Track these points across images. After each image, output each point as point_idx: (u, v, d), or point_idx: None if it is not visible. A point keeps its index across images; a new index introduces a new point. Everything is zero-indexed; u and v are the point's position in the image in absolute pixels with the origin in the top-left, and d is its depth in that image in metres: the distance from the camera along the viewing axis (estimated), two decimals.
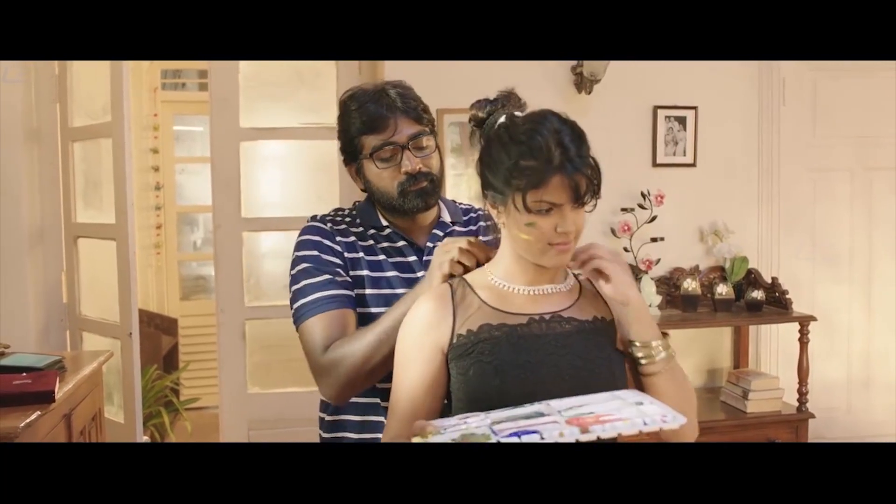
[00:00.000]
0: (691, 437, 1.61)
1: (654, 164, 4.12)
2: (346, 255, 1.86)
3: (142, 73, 5.90)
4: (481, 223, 2.01)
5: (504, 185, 1.55)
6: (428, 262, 1.80)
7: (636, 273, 3.94)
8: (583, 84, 3.91)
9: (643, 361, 1.58)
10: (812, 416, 3.88)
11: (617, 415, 1.31)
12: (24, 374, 2.38)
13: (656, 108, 4.10)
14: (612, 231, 3.97)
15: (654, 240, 4.01)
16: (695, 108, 4.14)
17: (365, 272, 1.86)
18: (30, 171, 3.68)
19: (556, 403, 1.41)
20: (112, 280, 3.57)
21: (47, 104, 3.72)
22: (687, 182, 4.16)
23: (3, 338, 2.82)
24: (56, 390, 2.31)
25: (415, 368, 1.61)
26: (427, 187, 1.87)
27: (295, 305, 1.83)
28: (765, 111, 4.26)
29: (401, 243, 1.91)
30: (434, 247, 1.84)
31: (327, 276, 1.82)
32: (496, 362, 1.55)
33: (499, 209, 1.59)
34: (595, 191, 1.54)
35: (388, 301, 1.81)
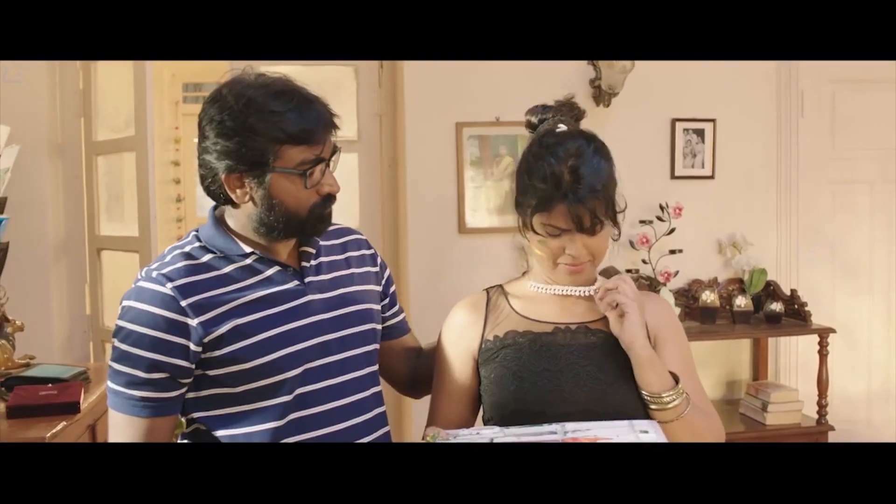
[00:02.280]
0: None
1: (673, 177, 4.13)
2: (194, 322, 1.51)
3: (163, 87, 5.96)
4: None
5: (521, 201, 1.61)
6: (313, 283, 1.65)
7: (655, 285, 3.95)
8: (601, 97, 3.92)
9: (653, 407, 1.56)
10: (832, 428, 3.87)
11: (612, 440, 1.36)
12: (50, 384, 2.41)
13: (674, 120, 4.11)
14: (631, 243, 3.97)
15: (672, 252, 4.01)
16: (713, 120, 4.15)
17: (238, 321, 1.54)
18: (54, 184, 3.73)
19: (570, 426, 1.46)
20: None
21: (72, 119, 3.77)
22: (705, 194, 4.16)
23: (28, 349, 2.85)
24: (81, 401, 2.33)
25: (449, 373, 1.69)
26: (331, 213, 1.65)
27: (111, 385, 1.54)
28: (783, 123, 4.25)
29: (271, 270, 1.62)
30: (311, 267, 1.67)
31: (155, 376, 1.51)
32: (516, 368, 1.60)
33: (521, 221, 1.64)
34: (610, 220, 1.57)
35: (284, 340, 1.57)
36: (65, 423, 2.21)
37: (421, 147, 3.84)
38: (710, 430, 1.61)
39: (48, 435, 2.11)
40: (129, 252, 3.65)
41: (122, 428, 1.55)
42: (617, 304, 1.58)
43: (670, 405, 1.54)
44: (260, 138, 1.52)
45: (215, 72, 5.69)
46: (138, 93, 3.51)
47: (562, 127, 1.64)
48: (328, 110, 1.59)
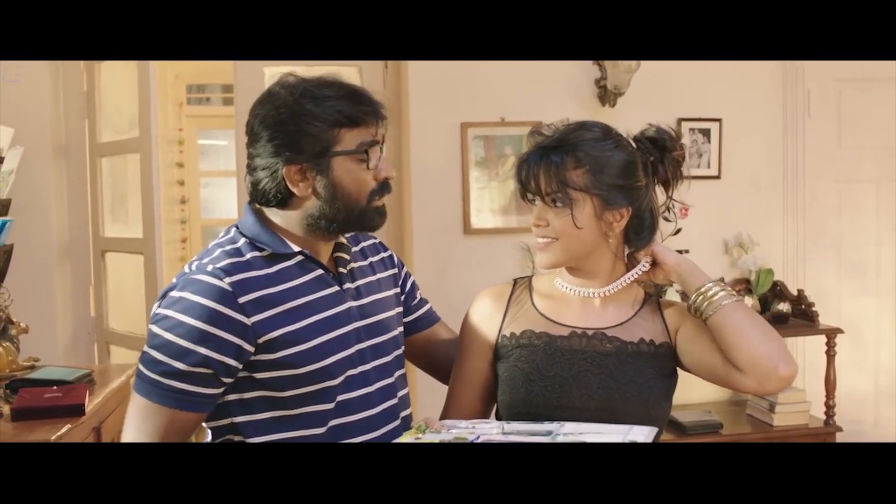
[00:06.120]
0: (783, 367, 1.47)
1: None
2: (250, 321, 1.49)
3: (167, 89, 5.95)
4: None
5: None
6: (349, 290, 1.64)
7: (661, 286, 3.92)
8: (606, 97, 3.90)
9: (704, 304, 1.53)
10: (839, 429, 3.85)
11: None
12: (55, 387, 2.41)
13: (680, 120, 4.09)
14: None
15: (678, 252, 3.98)
16: (719, 120, 4.13)
17: (292, 326, 1.53)
18: (58, 186, 3.73)
19: (569, 426, 1.45)
20: (139, 293, 3.60)
21: (76, 120, 3.77)
22: (712, 194, 4.13)
23: (32, 351, 2.85)
24: (86, 403, 2.33)
25: (466, 361, 1.70)
26: (385, 206, 1.64)
27: (144, 371, 1.49)
28: (789, 123, 4.24)
29: (316, 272, 1.60)
30: (346, 273, 1.65)
31: (198, 370, 1.47)
32: (528, 370, 1.59)
33: None
34: (557, 193, 1.55)
35: (334, 346, 1.56)
36: (70, 425, 2.21)
37: (426, 147, 3.82)
38: (767, 325, 1.53)
39: (53, 437, 2.11)
40: (134, 254, 3.65)
41: (145, 415, 1.48)
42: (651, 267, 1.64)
43: (716, 295, 1.52)
44: (319, 124, 1.52)
45: (219, 73, 5.69)
46: (142, 94, 3.51)
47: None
48: (376, 98, 1.60)
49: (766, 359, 1.46)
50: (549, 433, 1.41)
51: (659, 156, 1.66)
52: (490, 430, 1.45)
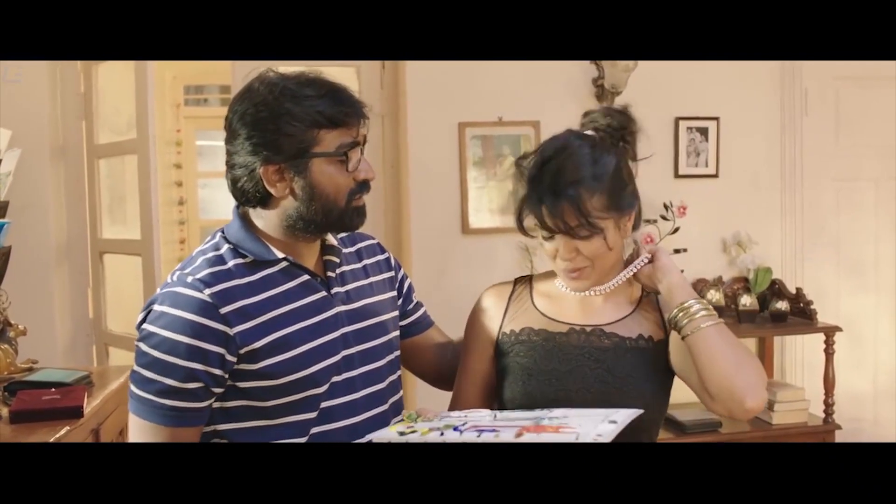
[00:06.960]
0: (750, 400, 1.48)
1: (677, 176, 4.11)
2: (233, 331, 1.47)
3: (165, 90, 5.94)
4: None
5: (519, 204, 1.64)
6: (339, 294, 1.62)
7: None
8: (604, 96, 3.90)
9: (684, 322, 1.53)
10: (838, 427, 3.85)
11: (574, 428, 1.35)
12: (53, 389, 2.40)
13: (678, 119, 4.09)
14: (635, 242, 3.95)
15: (677, 251, 3.98)
16: (717, 118, 4.13)
17: (276, 335, 1.51)
18: (56, 187, 3.72)
19: (557, 411, 1.48)
20: (137, 295, 3.59)
21: (73, 122, 3.76)
22: (709, 193, 4.14)
23: (30, 353, 2.84)
24: (85, 405, 2.32)
25: (470, 356, 1.73)
26: (365, 206, 1.60)
27: (137, 392, 1.49)
28: (787, 121, 4.24)
29: (302, 278, 1.58)
30: (336, 276, 1.63)
31: (190, 385, 1.46)
32: (527, 365, 1.62)
33: None
34: (587, 223, 1.52)
35: (317, 355, 1.54)
36: (68, 427, 2.19)
37: (424, 147, 3.82)
38: (747, 351, 1.54)
39: (52, 440, 2.10)
40: (132, 255, 3.64)
41: (145, 435, 1.49)
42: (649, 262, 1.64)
43: (697, 314, 1.52)
44: (298, 124, 1.48)
45: (216, 74, 5.69)
46: (140, 95, 3.49)
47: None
48: (358, 98, 1.56)
49: (735, 390, 1.47)
50: (536, 418, 1.43)
51: (628, 136, 1.68)
52: (482, 418, 1.48)
